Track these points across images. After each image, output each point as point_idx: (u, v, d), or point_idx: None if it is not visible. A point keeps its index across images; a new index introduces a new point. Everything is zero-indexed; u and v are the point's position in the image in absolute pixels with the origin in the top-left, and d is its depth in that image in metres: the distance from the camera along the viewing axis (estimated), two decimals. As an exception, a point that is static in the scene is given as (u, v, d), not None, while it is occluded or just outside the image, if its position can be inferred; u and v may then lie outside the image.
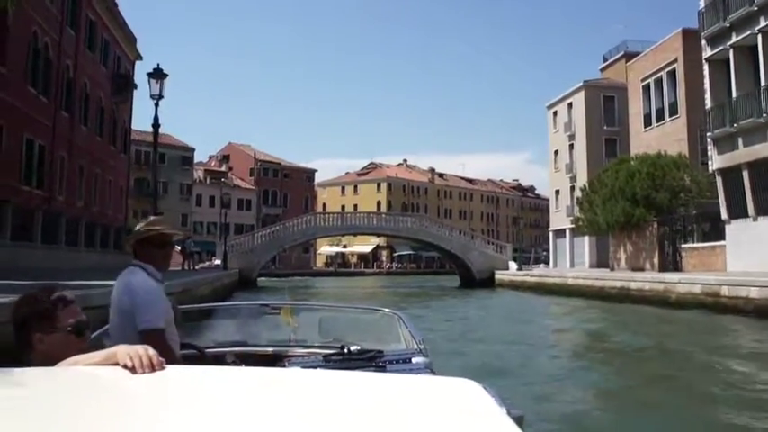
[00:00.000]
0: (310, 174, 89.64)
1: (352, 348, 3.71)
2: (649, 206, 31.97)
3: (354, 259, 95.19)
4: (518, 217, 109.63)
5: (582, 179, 51.76)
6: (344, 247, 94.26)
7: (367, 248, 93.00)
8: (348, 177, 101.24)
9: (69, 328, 2.14)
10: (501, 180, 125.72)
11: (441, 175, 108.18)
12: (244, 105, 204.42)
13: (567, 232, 54.01)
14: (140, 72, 40.32)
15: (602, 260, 47.71)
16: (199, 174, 77.87)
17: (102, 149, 34.83)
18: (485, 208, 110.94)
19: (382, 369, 3.43)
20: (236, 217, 75.96)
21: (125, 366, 1.70)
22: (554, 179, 57.71)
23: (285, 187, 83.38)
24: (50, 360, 1.93)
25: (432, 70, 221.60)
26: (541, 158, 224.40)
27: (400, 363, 3.59)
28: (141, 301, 3.06)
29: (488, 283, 43.28)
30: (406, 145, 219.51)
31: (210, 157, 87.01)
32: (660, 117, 40.15)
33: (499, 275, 43.43)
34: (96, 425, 1.21)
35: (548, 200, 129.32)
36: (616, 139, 51.34)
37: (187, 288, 16.21)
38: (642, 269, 32.30)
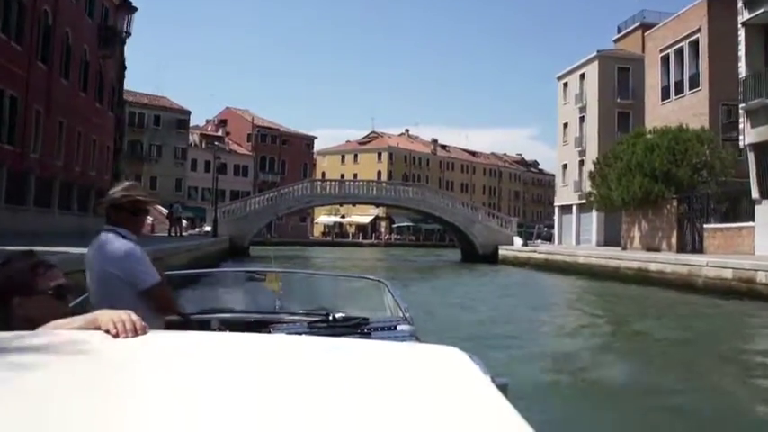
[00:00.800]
0: (310, 141, 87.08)
1: (338, 315, 3.72)
2: (668, 182, 29.90)
3: (352, 230, 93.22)
4: (521, 192, 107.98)
5: (592, 153, 49.60)
6: (343, 217, 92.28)
7: (366, 219, 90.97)
8: (348, 146, 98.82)
9: (50, 291, 2.11)
10: (504, 154, 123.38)
11: (443, 147, 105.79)
12: (244, 76, 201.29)
13: (574, 208, 52.06)
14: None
15: (610, 238, 45.75)
16: (194, 138, 75.54)
17: (86, 106, 32.60)
18: (487, 181, 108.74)
19: (367, 336, 3.43)
20: (231, 183, 73.87)
21: (107, 331, 1.67)
22: (562, 153, 55.51)
23: (284, 154, 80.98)
24: (31, 324, 1.88)
25: (436, 44, 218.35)
26: (545, 135, 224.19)
27: (385, 330, 3.60)
28: (133, 261, 3.10)
29: (492, 258, 41.34)
30: (408, 118, 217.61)
31: (207, 122, 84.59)
32: (679, 90, 37.94)
33: (503, 251, 41.46)
34: (77, 389, 1.20)
35: (551, 175, 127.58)
36: (629, 112, 49.15)
37: (157, 257, 14.09)
38: (658, 249, 30.35)
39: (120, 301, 2.57)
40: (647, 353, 11.11)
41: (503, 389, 1.39)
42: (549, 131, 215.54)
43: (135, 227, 3.27)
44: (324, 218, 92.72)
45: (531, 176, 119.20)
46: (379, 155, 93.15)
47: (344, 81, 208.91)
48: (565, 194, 54.23)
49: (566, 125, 55.02)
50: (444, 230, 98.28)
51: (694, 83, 36.46)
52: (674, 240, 29.62)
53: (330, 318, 3.72)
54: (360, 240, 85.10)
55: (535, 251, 35.72)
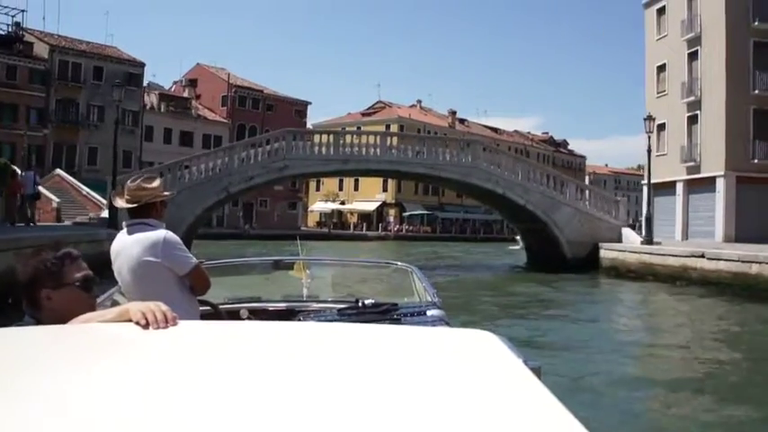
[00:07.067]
0: (301, 107, 69.58)
1: (367, 302, 3.71)
2: None
3: (354, 219, 76.75)
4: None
5: (716, 103, 33.28)
6: (342, 203, 75.98)
7: (370, 206, 74.56)
8: (350, 118, 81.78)
9: (77, 284, 2.08)
10: (529, 132, 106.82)
11: (462, 121, 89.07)
12: (226, 42, 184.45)
13: (680, 186, 35.90)
14: None
15: (751, 230, 29.76)
16: (152, 99, 58.79)
17: None
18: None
19: (397, 322, 3.38)
20: (199, 157, 57.44)
21: (138, 323, 1.64)
22: (656, 107, 38.44)
23: (268, 122, 63.26)
24: (60, 317, 1.88)
25: (439, 29, 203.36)
26: (549, 123, 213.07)
27: (415, 315, 3.56)
28: (173, 247, 3.22)
29: (587, 263, 25.06)
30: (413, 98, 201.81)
31: (175, 83, 67.90)
32: None
33: (610, 252, 25.07)
34: (111, 381, 1.20)
35: (582, 157, 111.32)
36: (770, 42, 32.86)
37: None
38: None
39: (164, 288, 2.96)
40: None
41: (536, 372, 1.35)
42: (554, 120, 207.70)
43: (159, 216, 3.37)
44: (320, 204, 76.41)
45: (560, 158, 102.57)
46: (388, 128, 76.11)
47: (344, 64, 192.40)
48: (662, 167, 37.53)
49: (661, 68, 38.52)
50: (465, 221, 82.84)
51: None
52: None
53: (359, 304, 3.69)
54: (364, 232, 68.78)
55: (712, 256, 18.89)
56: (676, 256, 20.50)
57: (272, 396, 1.10)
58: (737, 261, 17.53)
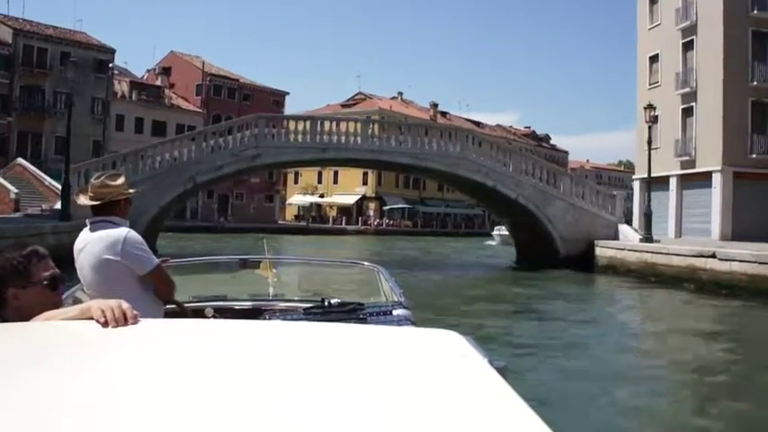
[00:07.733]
0: (279, 97, 67.48)
1: (333, 301, 3.70)
2: None
3: (334, 213, 74.90)
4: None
5: (712, 94, 31.87)
6: (321, 196, 74.10)
7: (350, 200, 72.79)
8: (329, 109, 79.78)
9: (45, 282, 2.06)
10: (511, 126, 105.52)
11: (443, 114, 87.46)
12: (202, 28, 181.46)
13: (674, 181, 34.51)
14: None
15: (748, 228, 28.50)
16: (123, 87, 56.42)
17: None
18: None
19: (363, 321, 3.34)
20: (172, 148, 55.12)
21: (98, 321, 1.63)
22: (649, 99, 37.22)
23: (244, 112, 60.46)
24: (25, 315, 1.88)
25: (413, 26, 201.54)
26: (526, 118, 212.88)
27: (381, 315, 3.50)
28: (134, 247, 3.14)
29: (582, 261, 23.53)
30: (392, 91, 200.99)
31: (148, 71, 65.52)
32: None
33: (606, 250, 23.51)
34: (72, 378, 1.19)
35: (565, 152, 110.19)
36: (768, 31, 31.58)
37: None
38: None
39: (125, 287, 2.81)
40: None
41: (501, 371, 1.35)
42: (534, 115, 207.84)
43: (123, 213, 3.31)
44: (298, 197, 74.48)
45: (543, 152, 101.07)
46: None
47: (324, 55, 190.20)
48: (654, 161, 36.10)
49: (653, 59, 37.09)
50: (447, 215, 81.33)
51: None
52: None
53: (325, 304, 3.66)
54: (343, 226, 66.97)
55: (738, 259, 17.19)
56: (683, 255, 18.93)
57: (236, 395, 1.07)
58: (754, 262, 15.98)
